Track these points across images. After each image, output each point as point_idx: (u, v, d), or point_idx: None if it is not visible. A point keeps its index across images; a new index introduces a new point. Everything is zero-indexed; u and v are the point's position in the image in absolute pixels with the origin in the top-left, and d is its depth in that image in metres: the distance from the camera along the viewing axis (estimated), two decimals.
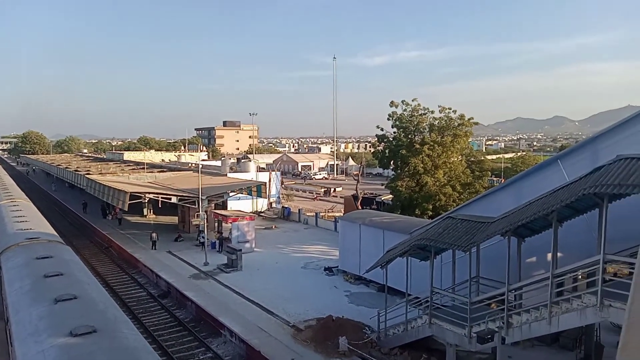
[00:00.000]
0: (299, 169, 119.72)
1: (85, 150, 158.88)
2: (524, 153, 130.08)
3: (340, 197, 64.03)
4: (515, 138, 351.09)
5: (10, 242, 18.15)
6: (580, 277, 13.37)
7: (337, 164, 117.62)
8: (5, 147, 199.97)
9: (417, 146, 36.92)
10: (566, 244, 13.78)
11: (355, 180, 50.67)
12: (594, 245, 12.84)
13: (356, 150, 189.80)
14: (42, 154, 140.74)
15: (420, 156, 36.34)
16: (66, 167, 63.93)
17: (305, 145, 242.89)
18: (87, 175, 46.55)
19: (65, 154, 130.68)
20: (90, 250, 36.08)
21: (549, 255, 13.20)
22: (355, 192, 46.50)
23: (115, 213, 44.91)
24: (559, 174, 15.70)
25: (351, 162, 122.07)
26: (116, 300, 21.50)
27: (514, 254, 13.99)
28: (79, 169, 58.62)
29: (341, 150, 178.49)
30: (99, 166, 63.31)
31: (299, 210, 46.92)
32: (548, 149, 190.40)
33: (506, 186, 18.30)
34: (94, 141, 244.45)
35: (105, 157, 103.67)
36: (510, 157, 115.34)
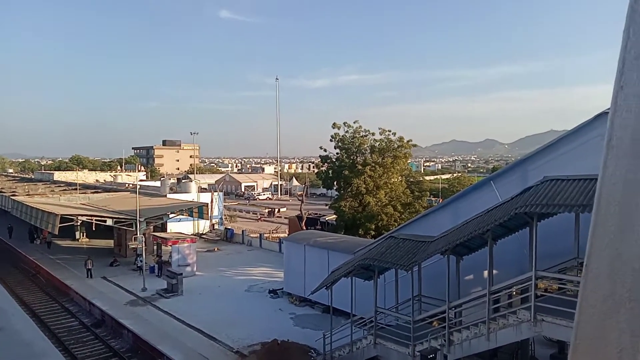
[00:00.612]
0: (242, 189, 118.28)
1: (10, 170, 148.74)
2: (460, 174, 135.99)
3: (285, 217, 63.78)
4: (451, 159, 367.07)
5: None
6: (514, 293, 13.99)
7: (280, 184, 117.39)
8: None
9: (359, 167, 37.65)
10: (501, 262, 14.42)
11: (300, 200, 50.79)
12: (526, 262, 13.53)
13: (300, 171, 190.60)
14: None
15: (363, 177, 37.06)
16: None
17: (248, 166, 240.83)
18: (12, 197, 43.44)
19: None
20: (16, 277, 33.76)
21: (486, 273, 13.76)
22: (299, 212, 46.50)
23: (44, 237, 42.18)
24: (492, 194, 16.51)
25: (295, 182, 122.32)
26: (45, 331, 19.84)
27: (454, 272, 14.45)
28: (3, 190, 54.90)
29: (285, 170, 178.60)
30: (26, 187, 60.00)
31: (243, 231, 46.25)
32: (481, 170, 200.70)
33: (444, 206, 18.99)
34: (20, 160, 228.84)
35: (33, 177, 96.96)
36: (447, 178, 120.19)
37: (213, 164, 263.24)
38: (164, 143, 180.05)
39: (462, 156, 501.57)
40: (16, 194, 49.22)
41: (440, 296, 15.05)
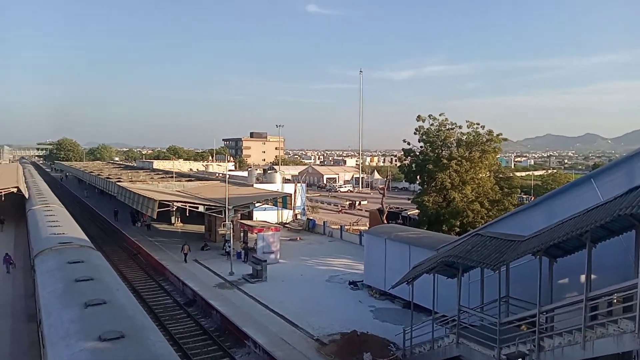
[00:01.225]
0: (324, 181, 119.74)
1: (116, 158, 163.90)
2: (555, 171, 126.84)
3: (366, 210, 63.63)
4: (545, 155, 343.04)
5: (44, 246, 19.21)
6: (615, 300, 12.86)
7: (362, 177, 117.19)
8: (40, 154, 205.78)
9: (445, 161, 36.45)
10: (600, 266, 13.28)
11: (381, 194, 50.32)
12: (629, 268, 12.35)
13: (382, 164, 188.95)
14: (76, 160, 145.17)
15: (448, 171, 35.86)
16: (98, 174, 65.84)
17: (330, 158, 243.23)
18: (118, 183, 47.54)
19: (98, 162, 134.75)
20: (120, 256, 36.73)
21: (583, 277, 12.75)
22: (380, 205, 46.12)
23: (144, 220, 45.74)
24: (592, 193, 15.21)
25: (376, 175, 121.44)
26: (144, 306, 21.62)
27: (546, 275, 13.57)
28: (110, 177, 60.20)
29: (366, 163, 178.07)
30: (130, 174, 65.03)
31: (324, 222, 46.80)
32: (580, 167, 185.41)
33: (537, 204, 17.82)
34: (125, 149, 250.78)
35: (135, 165, 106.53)
36: (540, 175, 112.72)
37: (297, 156, 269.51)
38: (251, 135, 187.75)
39: (558, 151, 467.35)
40: (121, 180, 53.53)
41: (530, 299, 14.21)
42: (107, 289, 12.76)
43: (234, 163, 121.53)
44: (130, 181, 52.54)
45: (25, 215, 34.97)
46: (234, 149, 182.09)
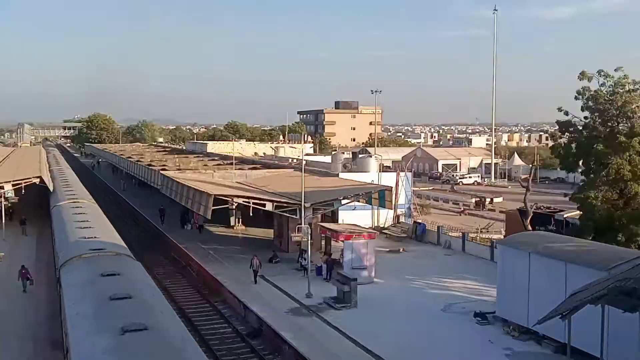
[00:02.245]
0: (440, 169, 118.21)
1: (160, 139, 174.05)
2: None
3: (500, 211, 62.00)
4: None
5: (71, 254, 20.72)
6: None
7: (495, 164, 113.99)
8: (67, 134, 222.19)
9: (623, 139, 34.51)
10: None
11: (524, 187, 48.58)
12: None
13: (525, 144, 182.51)
14: (110, 142, 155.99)
15: (628, 154, 33.98)
16: (138, 161, 70.39)
17: (449, 136, 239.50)
18: (162, 171, 50.31)
19: (137, 144, 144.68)
20: (165, 269, 38.87)
21: None
22: (523, 204, 44.70)
23: (195, 222, 47.98)
24: None
25: (517, 160, 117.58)
26: (194, 335, 21.37)
27: None
28: (152, 163, 63.94)
29: (502, 143, 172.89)
30: (177, 160, 68.59)
31: (439, 227, 46.36)
32: None
33: None
34: (171, 127, 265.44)
35: (184, 148, 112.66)
36: None
37: (400, 134, 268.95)
38: (337, 105, 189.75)
39: None
40: (166, 168, 56.78)
41: None
42: (149, 310, 13.64)
43: (312, 144, 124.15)
44: (177, 169, 55.24)
45: (49, 212, 38.35)
46: (312, 124, 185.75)
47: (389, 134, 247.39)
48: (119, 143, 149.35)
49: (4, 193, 44.46)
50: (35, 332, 24.12)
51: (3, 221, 42.40)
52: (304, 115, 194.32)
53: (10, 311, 26.35)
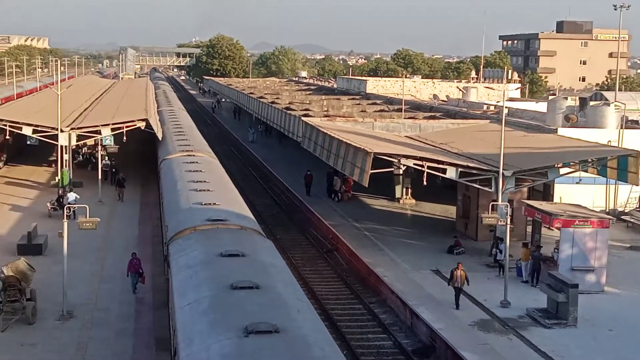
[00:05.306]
0: None
1: (304, 74, 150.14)
2: None
3: None
4: None
5: (184, 224, 19.41)
6: None
7: None
8: (182, 63, 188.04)
9: None
10: None
11: None
12: None
13: None
14: (237, 75, 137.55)
15: None
16: (272, 102, 63.87)
17: None
18: (304, 118, 45.71)
19: (273, 79, 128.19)
20: (303, 250, 35.53)
21: None
22: None
23: (346, 190, 43.55)
24: None
25: None
26: (342, 347, 19.76)
27: None
28: (292, 105, 58.98)
29: None
30: (325, 102, 63.47)
31: None
32: None
33: None
34: (318, 57, 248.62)
35: (335, 86, 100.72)
36: None
37: None
38: (560, 28, 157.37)
39: None
40: (310, 113, 51.04)
41: None
42: (282, 307, 12.80)
43: (520, 85, 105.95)
44: (325, 116, 50.27)
45: (157, 168, 36.29)
46: (521, 56, 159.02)
47: (639, 71, 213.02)
48: (248, 77, 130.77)
49: (101, 140, 41.55)
50: (137, 326, 21.86)
51: (100, 177, 39.00)
52: (509, 42, 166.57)
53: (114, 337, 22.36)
